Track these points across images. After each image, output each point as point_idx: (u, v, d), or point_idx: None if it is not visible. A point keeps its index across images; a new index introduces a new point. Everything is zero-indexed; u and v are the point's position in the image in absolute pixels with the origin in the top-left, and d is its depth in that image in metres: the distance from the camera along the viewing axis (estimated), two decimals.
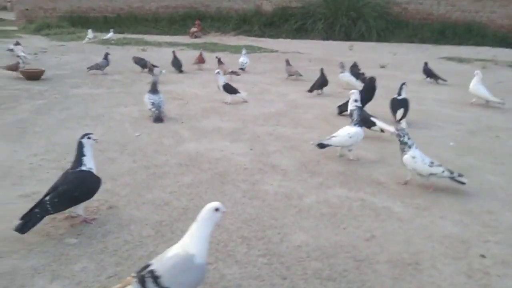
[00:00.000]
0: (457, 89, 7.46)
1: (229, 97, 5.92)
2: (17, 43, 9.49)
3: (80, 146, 2.73)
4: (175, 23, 17.70)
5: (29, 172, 3.46)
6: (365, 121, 4.32)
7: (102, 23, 17.87)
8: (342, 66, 7.19)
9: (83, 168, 2.67)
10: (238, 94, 5.93)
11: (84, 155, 2.70)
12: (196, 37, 15.58)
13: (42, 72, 7.31)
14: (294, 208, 2.98)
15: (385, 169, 3.75)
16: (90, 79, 7.37)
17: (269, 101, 6.23)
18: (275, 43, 14.27)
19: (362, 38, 15.58)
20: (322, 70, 6.70)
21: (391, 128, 4.25)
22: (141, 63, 8.09)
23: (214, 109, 5.66)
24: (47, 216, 2.57)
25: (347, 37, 15.63)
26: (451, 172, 3.29)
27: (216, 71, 5.94)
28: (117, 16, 18.36)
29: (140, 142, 4.25)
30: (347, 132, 3.85)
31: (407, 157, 3.31)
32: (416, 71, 9.30)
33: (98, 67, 7.72)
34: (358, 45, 14.18)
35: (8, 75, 7.24)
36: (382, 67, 9.82)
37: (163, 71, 7.12)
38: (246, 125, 4.96)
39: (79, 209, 2.67)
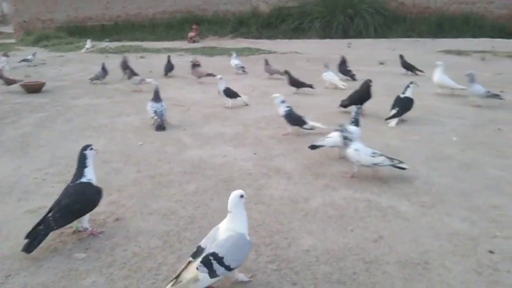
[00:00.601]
0: (457, 83, 7.44)
1: (229, 101, 5.93)
2: (5, 55, 9.53)
3: (83, 158, 2.74)
4: (173, 28, 17.74)
5: (34, 187, 3.48)
6: (296, 121, 4.57)
7: (100, 31, 17.94)
8: (326, 65, 7.28)
9: (83, 180, 2.68)
10: (238, 98, 5.95)
11: (86, 166, 2.72)
12: (194, 41, 15.60)
13: (42, 84, 7.34)
14: (300, 212, 2.98)
15: (389, 168, 3.73)
16: (91, 90, 7.40)
17: (270, 104, 6.20)
18: (273, 44, 14.28)
19: (360, 35, 15.57)
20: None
21: (321, 125, 4.54)
22: (123, 66, 8.08)
23: (215, 114, 5.67)
24: (54, 232, 2.59)
25: (345, 35, 15.63)
26: (392, 160, 3.42)
27: (219, 76, 5.95)
28: (114, 24, 18.41)
29: (144, 151, 4.26)
30: None
31: (350, 151, 3.40)
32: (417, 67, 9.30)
33: (97, 77, 7.76)
34: (357, 42, 14.18)
35: (9, 89, 7.27)
36: (381, 63, 9.81)
37: (153, 82, 6.89)
38: (248, 129, 4.97)
39: (84, 222, 2.68)
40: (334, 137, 3.82)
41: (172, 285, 2.01)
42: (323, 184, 3.43)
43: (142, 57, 11.78)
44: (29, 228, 2.54)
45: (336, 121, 4.02)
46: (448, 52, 11.82)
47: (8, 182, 3.57)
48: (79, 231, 2.73)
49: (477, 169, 3.69)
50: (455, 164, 3.81)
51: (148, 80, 7.04)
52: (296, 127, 4.68)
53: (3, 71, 7.61)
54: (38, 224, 2.54)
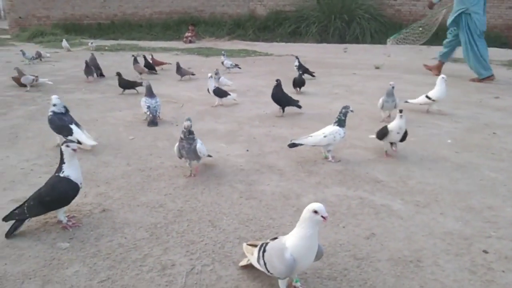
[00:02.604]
0: (452, 88, 7.44)
1: (218, 100, 5.87)
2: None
3: (61, 153, 2.61)
4: (169, 28, 17.71)
5: (21, 177, 3.39)
6: (61, 129, 3.90)
7: (96, 30, 17.87)
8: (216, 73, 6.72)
9: (61, 174, 2.57)
10: (228, 96, 5.88)
11: (63, 162, 2.59)
12: (190, 42, 15.56)
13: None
14: (291, 208, 2.92)
15: (383, 166, 3.70)
16: (84, 85, 7.31)
17: (264, 103, 6.17)
18: (269, 47, 14.27)
19: (356, 40, 15.62)
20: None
21: (89, 142, 3.92)
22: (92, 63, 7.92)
23: (209, 111, 5.60)
24: (39, 220, 2.51)
25: (342, 40, 15.67)
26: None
27: (209, 75, 5.87)
28: (110, 23, 18.33)
29: (135, 145, 4.19)
30: (322, 131, 3.75)
31: (199, 146, 3.32)
32: (410, 71, 9.32)
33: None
34: (353, 47, 14.21)
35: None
36: (377, 68, 9.81)
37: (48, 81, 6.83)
38: (242, 127, 4.91)
39: (59, 214, 2.59)
40: (314, 135, 3.74)
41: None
42: (316, 182, 3.37)
43: (137, 56, 11.69)
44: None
45: (332, 121, 3.95)
46: None
47: None
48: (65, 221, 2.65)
49: (472, 170, 3.65)
50: (449, 165, 3.77)
51: (41, 80, 6.87)
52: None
53: None
54: (15, 209, 2.50)
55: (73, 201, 2.76)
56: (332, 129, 3.71)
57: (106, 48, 13.26)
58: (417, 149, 4.18)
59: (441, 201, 3.07)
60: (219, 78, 6.50)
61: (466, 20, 8.10)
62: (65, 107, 4.03)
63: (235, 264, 2.26)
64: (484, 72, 8.24)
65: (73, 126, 3.93)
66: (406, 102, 5.57)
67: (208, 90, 5.90)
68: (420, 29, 9.81)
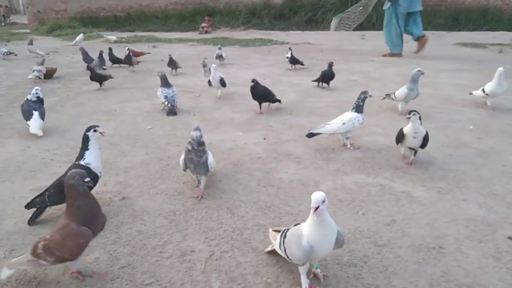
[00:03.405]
0: (474, 74, 7.27)
1: (221, 90, 5.76)
2: (31, 43, 9.68)
3: (85, 139, 2.63)
4: (185, 19, 17.74)
5: (41, 166, 3.45)
6: (25, 114, 4.24)
7: (113, 22, 18.00)
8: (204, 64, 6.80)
9: (81, 162, 2.58)
10: (228, 86, 5.77)
11: (87, 149, 2.60)
12: (206, 32, 15.54)
13: (54, 70, 7.34)
14: (310, 195, 2.88)
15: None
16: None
17: (281, 91, 6.12)
18: (285, 35, 14.15)
19: (373, 27, 15.35)
20: (330, 64, 6.20)
21: (35, 130, 4.13)
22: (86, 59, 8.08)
23: (225, 101, 5.59)
24: (59, 208, 2.55)
25: (359, 27, 15.42)
26: None
27: (213, 65, 5.66)
28: (127, 15, 18.46)
29: (153, 134, 4.21)
30: (341, 118, 3.68)
31: (211, 160, 2.90)
32: (429, 58, 9.13)
33: (94, 66, 7.63)
34: (370, 34, 13.98)
35: (20, 76, 7.28)
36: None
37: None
38: (258, 116, 4.88)
39: None
40: (332, 123, 3.68)
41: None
42: (334, 169, 3.33)
43: (154, 47, 11.76)
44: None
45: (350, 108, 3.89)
46: (464, 44, 11.58)
47: (16, 162, 3.55)
48: None
49: (495, 156, 3.56)
50: (472, 151, 3.68)
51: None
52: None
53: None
54: (36, 197, 2.55)
55: (93, 190, 2.80)
56: (350, 115, 3.65)
57: (123, 40, 13.34)
58: (438, 135, 4.08)
59: (463, 187, 3.00)
60: (209, 69, 6.10)
61: (394, 4, 9.12)
62: (38, 97, 4.35)
63: (254, 250, 2.26)
64: (395, 48, 9.52)
65: (35, 112, 4.23)
66: (471, 94, 5.14)
67: (209, 81, 5.78)
68: (361, 8, 10.10)
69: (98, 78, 6.42)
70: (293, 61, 7.90)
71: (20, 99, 5.68)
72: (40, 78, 6.90)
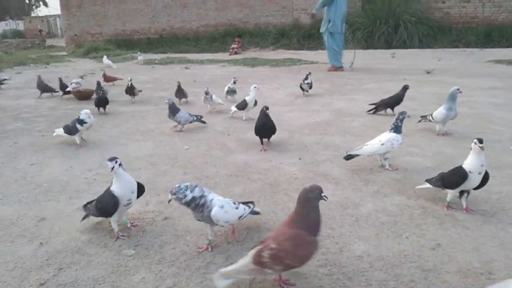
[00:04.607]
0: (511, 92, 7.09)
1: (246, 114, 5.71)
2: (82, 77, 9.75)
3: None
4: (215, 41, 18.10)
5: (85, 186, 3.56)
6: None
7: (146, 44, 18.57)
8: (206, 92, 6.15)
9: (111, 187, 2.63)
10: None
11: (114, 178, 2.64)
12: (236, 53, 15.81)
13: (92, 92, 7.61)
14: (350, 217, 2.87)
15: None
16: (138, 98, 7.57)
17: (314, 111, 6.15)
18: (314, 55, 14.22)
19: (403, 45, 15.26)
20: (405, 87, 5.69)
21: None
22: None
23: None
24: (105, 228, 2.63)
25: (388, 45, 15.36)
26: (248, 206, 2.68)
27: (254, 85, 5.54)
28: (159, 37, 19.00)
29: (190, 154, 4.29)
30: (379, 139, 3.64)
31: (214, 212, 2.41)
32: (463, 75, 8.97)
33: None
34: (400, 52, 13.89)
35: (59, 97, 7.59)
36: (428, 72, 9.51)
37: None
38: (292, 135, 4.90)
39: (112, 223, 2.68)
40: (371, 144, 3.66)
41: None
42: (374, 190, 3.30)
43: (186, 68, 12.04)
44: (80, 225, 2.81)
45: (386, 127, 3.86)
46: (499, 61, 11.31)
47: (60, 181, 3.68)
48: (128, 227, 2.75)
49: None
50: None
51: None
52: None
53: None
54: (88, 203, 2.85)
55: (135, 209, 2.89)
56: (389, 136, 3.62)
57: (156, 61, 13.72)
58: None
59: (509, 210, 2.91)
60: (211, 97, 6.02)
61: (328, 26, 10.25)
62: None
63: (297, 273, 2.25)
64: (336, 62, 10.57)
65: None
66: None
67: (245, 100, 5.56)
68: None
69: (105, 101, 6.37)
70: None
71: (61, 120, 5.92)
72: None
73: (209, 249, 2.49)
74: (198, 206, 2.38)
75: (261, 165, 3.94)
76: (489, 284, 2.11)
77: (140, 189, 2.75)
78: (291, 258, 1.93)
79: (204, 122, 5.32)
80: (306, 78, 7.21)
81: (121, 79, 9.11)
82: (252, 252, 2.00)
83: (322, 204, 3.03)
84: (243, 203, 2.64)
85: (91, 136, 5.10)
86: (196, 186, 2.44)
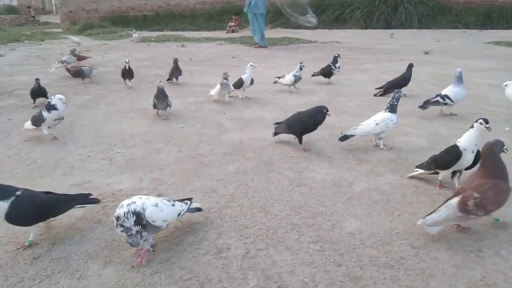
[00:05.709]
0: (508, 73, 7.07)
1: (242, 93, 5.67)
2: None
3: None
4: (212, 18, 17.86)
5: (79, 163, 3.55)
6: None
7: (142, 21, 18.29)
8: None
9: None
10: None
11: None
12: (233, 31, 15.62)
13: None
14: (343, 195, 2.88)
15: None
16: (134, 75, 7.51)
17: (310, 90, 6.12)
18: (312, 34, 14.09)
19: (402, 25, 15.14)
20: (410, 65, 5.55)
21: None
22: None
23: (255, 100, 5.62)
24: (98, 204, 2.64)
25: (387, 25, 15.23)
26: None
27: (250, 64, 5.54)
28: (155, 14, 18.71)
29: (185, 133, 4.27)
30: (374, 119, 3.64)
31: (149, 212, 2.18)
32: (462, 56, 8.92)
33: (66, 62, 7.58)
34: (399, 33, 13.78)
35: (55, 74, 7.51)
36: (426, 53, 9.45)
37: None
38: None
39: None
40: (366, 124, 3.65)
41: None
42: (368, 169, 3.31)
43: (182, 46, 11.91)
44: None
45: (382, 107, 3.85)
46: (498, 43, 11.26)
47: (54, 158, 3.66)
48: None
49: None
50: (509, 154, 3.58)
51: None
52: None
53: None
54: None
55: (129, 186, 2.88)
56: (383, 115, 3.61)
57: (152, 39, 13.56)
58: None
59: None
60: (229, 85, 5.42)
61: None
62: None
63: (289, 249, 2.27)
64: (261, 41, 11.48)
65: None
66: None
67: (241, 78, 5.49)
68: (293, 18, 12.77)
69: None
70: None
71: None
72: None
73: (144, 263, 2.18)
74: (128, 230, 2.12)
75: (256, 143, 3.94)
76: (479, 262, 2.15)
77: None
78: (493, 204, 2.28)
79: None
80: (336, 61, 6.37)
81: (89, 57, 8.58)
82: (455, 201, 2.28)
83: (316, 183, 3.07)
84: (180, 200, 2.45)
85: (85, 113, 5.06)
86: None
